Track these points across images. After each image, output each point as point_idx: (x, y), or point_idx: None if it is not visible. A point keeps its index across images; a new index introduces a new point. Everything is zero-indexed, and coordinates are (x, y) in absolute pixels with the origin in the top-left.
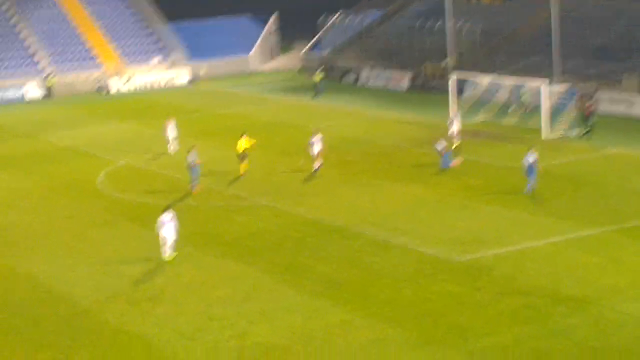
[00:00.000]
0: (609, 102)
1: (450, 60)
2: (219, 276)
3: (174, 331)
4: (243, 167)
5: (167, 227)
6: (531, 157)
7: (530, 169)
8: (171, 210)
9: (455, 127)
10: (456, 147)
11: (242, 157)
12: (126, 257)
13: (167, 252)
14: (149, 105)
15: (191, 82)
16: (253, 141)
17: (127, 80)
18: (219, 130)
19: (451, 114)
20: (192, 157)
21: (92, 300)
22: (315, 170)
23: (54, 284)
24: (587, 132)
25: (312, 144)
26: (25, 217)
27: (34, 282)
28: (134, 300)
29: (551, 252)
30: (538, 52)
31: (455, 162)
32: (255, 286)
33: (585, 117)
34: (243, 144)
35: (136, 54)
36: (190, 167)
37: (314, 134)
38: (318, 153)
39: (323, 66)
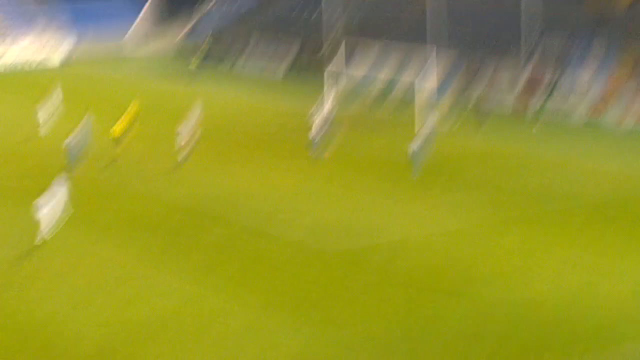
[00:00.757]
0: (481, 94)
1: (326, 50)
2: (90, 261)
3: (39, 318)
4: (118, 151)
5: (47, 208)
6: (418, 142)
7: (417, 154)
8: (52, 191)
9: (325, 115)
10: (329, 136)
11: (117, 140)
12: None
13: (45, 234)
14: (21, 85)
15: (66, 63)
16: (126, 125)
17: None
18: (93, 112)
19: (321, 103)
20: (72, 139)
21: None
22: (184, 158)
23: None
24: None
25: (181, 132)
26: None
27: None
28: (2, 286)
29: (427, 243)
30: (416, 39)
31: (328, 151)
32: (128, 271)
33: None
34: (118, 127)
35: (8, 33)
36: (69, 149)
37: (184, 121)
38: (188, 141)
39: (199, 52)
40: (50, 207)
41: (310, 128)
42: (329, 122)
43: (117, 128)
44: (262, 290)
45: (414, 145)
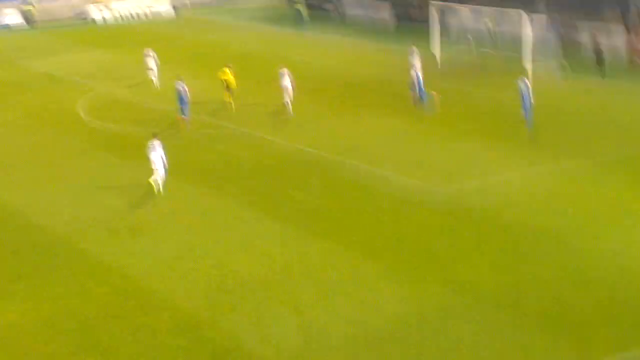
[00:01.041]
0: (590, 33)
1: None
2: (197, 206)
3: (153, 261)
4: (227, 96)
5: (156, 153)
6: (525, 82)
7: (525, 96)
8: (158, 137)
9: (416, 61)
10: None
11: (228, 86)
12: (105, 187)
13: (158, 177)
14: (130, 34)
15: (175, 10)
16: (231, 74)
17: (107, 8)
18: (200, 59)
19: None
20: (181, 86)
21: (71, 230)
22: (286, 105)
23: (32, 213)
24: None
25: (282, 77)
26: (1, 146)
27: (11, 210)
28: (113, 229)
29: (531, 183)
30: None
31: (432, 95)
32: (233, 215)
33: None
34: (226, 75)
35: None
36: (179, 96)
37: (281, 68)
38: (286, 88)
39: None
40: (161, 153)
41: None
42: (415, 65)
43: (228, 75)
44: (367, 232)
45: (520, 84)
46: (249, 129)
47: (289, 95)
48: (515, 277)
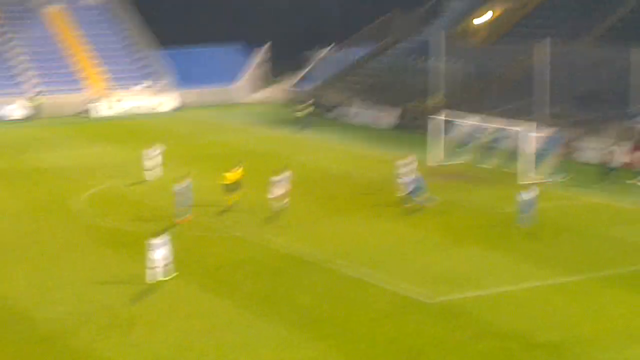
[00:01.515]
0: (590, 150)
1: (435, 100)
2: (195, 306)
3: None
4: (234, 197)
5: (159, 251)
6: (528, 194)
7: (527, 204)
8: (164, 235)
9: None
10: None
11: (231, 188)
12: (101, 282)
13: (160, 274)
14: (134, 130)
15: (178, 109)
16: (236, 174)
17: (114, 104)
18: (202, 159)
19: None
20: (184, 186)
21: (63, 325)
22: (283, 206)
23: (24, 306)
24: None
25: (276, 182)
26: None
27: (2, 303)
28: (106, 326)
29: (529, 297)
30: (524, 95)
31: (431, 200)
32: (232, 317)
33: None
34: (229, 176)
35: (124, 78)
36: (181, 196)
37: (282, 171)
38: (285, 192)
39: (311, 100)
40: (162, 251)
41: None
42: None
43: (228, 176)
44: (365, 339)
45: (523, 195)
46: (248, 230)
47: (283, 200)
48: None
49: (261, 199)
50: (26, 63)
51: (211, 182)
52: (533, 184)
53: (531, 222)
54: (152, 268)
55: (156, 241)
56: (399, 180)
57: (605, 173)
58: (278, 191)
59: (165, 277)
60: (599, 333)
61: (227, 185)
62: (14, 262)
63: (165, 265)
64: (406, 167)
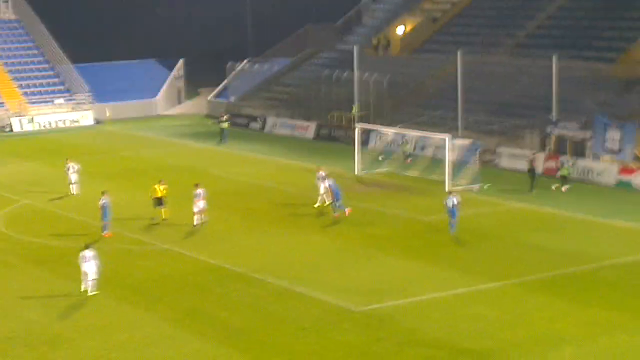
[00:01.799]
0: (510, 158)
1: (354, 111)
2: (119, 321)
3: None
4: (164, 212)
5: (89, 264)
6: (455, 199)
7: (453, 210)
8: (92, 248)
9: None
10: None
11: (159, 202)
12: (24, 300)
13: (89, 288)
14: (52, 146)
15: (96, 123)
16: (165, 187)
17: (32, 120)
18: (123, 173)
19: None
20: (105, 201)
21: None
22: (197, 225)
23: None
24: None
25: (196, 197)
26: None
27: None
28: (31, 344)
29: (452, 304)
30: (443, 105)
31: (348, 210)
32: (155, 332)
33: None
34: (160, 190)
35: (40, 94)
36: (103, 210)
37: (196, 188)
38: (202, 209)
39: (229, 113)
40: (89, 265)
41: (339, 188)
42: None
43: (158, 189)
44: (289, 351)
45: (450, 200)
46: (172, 245)
47: (202, 216)
48: None
49: (183, 213)
50: None
51: (132, 197)
52: (455, 191)
53: (454, 228)
54: (85, 280)
55: (88, 253)
56: (322, 188)
57: (526, 180)
58: (199, 205)
59: (94, 291)
60: (522, 338)
61: (157, 198)
62: None
63: (94, 279)
64: (323, 177)
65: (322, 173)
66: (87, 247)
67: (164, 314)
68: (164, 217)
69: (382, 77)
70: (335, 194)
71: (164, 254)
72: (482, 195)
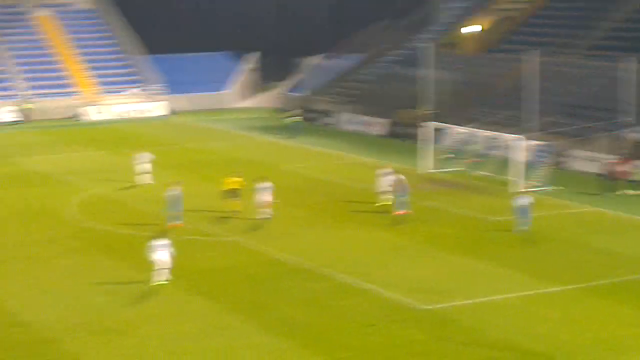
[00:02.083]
0: (582, 160)
1: (425, 109)
2: (183, 311)
3: None
4: (235, 204)
5: (161, 253)
6: (526, 200)
7: (523, 210)
8: (166, 237)
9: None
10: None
11: (231, 194)
12: (93, 286)
13: (160, 277)
14: (123, 136)
15: (168, 114)
16: (241, 180)
17: (103, 109)
18: (189, 165)
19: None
20: (176, 192)
21: (55, 329)
22: (261, 219)
23: (17, 311)
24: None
25: (259, 190)
26: None
27: None
28: (98, 331)
29: (517, 307)
30: (514, 105)
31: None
32: (219, 323)
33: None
34: (235, 182)
35: (113, 83)
36: (173, 201)
37: (262, 181)
38: (266, 202)
39: (300, 107)
40: (162, 254)
41: (403, 186)
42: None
43: (229, 182)
44: (351, 347)
45: (518, 201)
46: (236, 237)
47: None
48: None
49: (249, 206)
50: (15, 67)
51: (199, 189)
52: (526, 191)
53: (526, 228)
54: (156, 270)
55: (159, 242)
56: (384, 188)
57: (596, 183)
58: (263, 199)
59: (164, 279)
60: (587, 343)
61: (227, 191)
62: (4, 267)
63: (167, 268)
64: (387, 176)
65: (386, 170)
66: (159, 235)
67: (227, 305)
68: (233, 209)
69: (453, 76)
70: (401, 190)
71: (228, 246)
72: (550, 197)
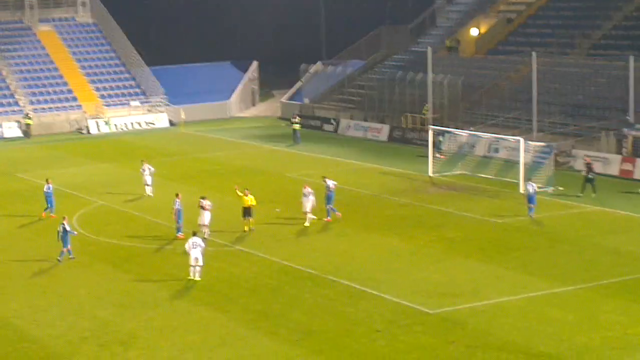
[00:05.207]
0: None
1: (428, 113)
2: (192, 321)
3: None
4: (252, 222)
5: (195, 250)
6: (535, 186)
7: (533, 196)
8: (199, 236)
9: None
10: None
11: (247, 212)
12: (99, 299)
13: (196, 275)
14: (127, 148)
15: (170, 125)
16: (252, 197)
17: (108, 122)
18: (196, 175)
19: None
20: (178, 204)
21: (63, 342)
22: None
23: (24, 325)
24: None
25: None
26: None
27: (3, 322)
28: (105, 343)
29: (525, 308)
30: (518, 107)
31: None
32: (228, 333)
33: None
34: (248, 199)
35: (116, 96)
36: (176, 213)
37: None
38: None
39: (301, 115)
40: (196, 251)
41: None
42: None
43: (247, 200)
44: (361, 353)
45: (530, 187)
46: (246, 246)
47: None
48: None
49: (257, 217)
50: (19, 82)
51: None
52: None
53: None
54: (193, 266)
55: (195, 240)
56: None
57: (600, 182)
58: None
59: (199, 277)
60: (597, 343)
61: (246, 208)
62: (11, 280)
63: (200, 266)
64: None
65: (308, 189)
66: (194, 234)
67: (236, 314)
68: (251, 226)
69: (455, 79)
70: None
71: (236, 255)
72: (556, 197)
